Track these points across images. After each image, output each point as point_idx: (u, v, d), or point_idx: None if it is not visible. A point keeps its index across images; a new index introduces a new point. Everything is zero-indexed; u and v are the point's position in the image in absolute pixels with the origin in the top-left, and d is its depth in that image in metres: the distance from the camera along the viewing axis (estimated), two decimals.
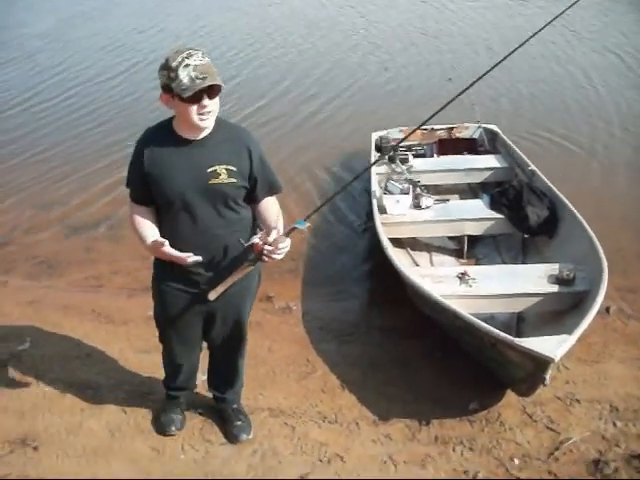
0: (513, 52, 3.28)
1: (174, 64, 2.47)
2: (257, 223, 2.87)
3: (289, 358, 4.08)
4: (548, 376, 3.06)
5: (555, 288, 3.93)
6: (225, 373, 3.34)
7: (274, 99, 8.97)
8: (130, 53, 11.37)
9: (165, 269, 2.84)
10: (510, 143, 5.89)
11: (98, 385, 3.76)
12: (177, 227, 2.72)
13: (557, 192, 4.84)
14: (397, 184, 5.10)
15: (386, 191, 5.09)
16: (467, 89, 3.16)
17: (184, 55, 2.49)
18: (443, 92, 8.18)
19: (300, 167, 6.82)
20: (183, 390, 3.39)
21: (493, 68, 3.21)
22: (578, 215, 4.47)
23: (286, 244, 2.60)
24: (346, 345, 4.21)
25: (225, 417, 3.42)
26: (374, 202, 4.95)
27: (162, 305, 2.99)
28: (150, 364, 3.81)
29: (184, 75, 2.45)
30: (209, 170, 2.63)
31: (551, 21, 3.57)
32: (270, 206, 2.85)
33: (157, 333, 3.16)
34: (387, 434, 3.41)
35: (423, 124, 3.37)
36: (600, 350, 4.10)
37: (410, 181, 5.26)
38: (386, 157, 5.81)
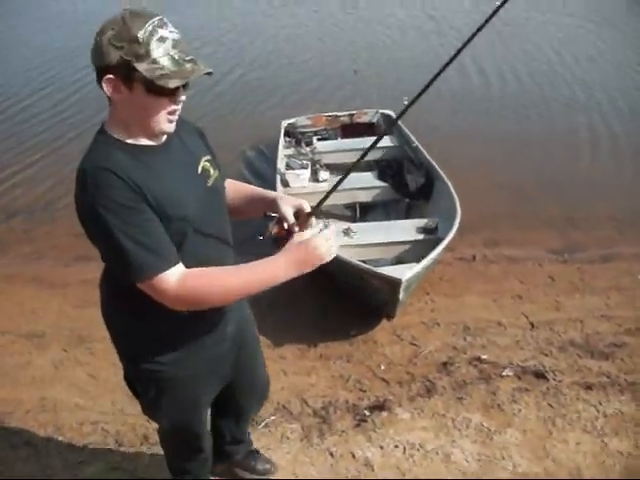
0: None
1: (141, 34, 1.61)
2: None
3: None
4: (401, 295, 3.91)
5: (421, 236, 4.79)
6: (248, 417, 2.85)
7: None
8: None
9: (173, 337, 2.04)
10: (401, 125, 6.71)
11: (43, 333, 4.45)
12: (196, 253, 1.91)
13: (433, 163, 5.65)
14: (297, 161, 5.91)
15: (288, 167, 5.88)
16: None
17: (154, 23, 1.63)
18: (349, 83, 9.09)
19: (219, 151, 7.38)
20: (206, 460, 2.60)
21: None
22: (447, 180, 5.28)
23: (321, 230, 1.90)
24: None
25: (246, 461, 2.97)
26: (277, 177, 5.68)
27: (183, 398, 2.19)
28: (86, 316, 4.39)
29: (161, 53, 1.63)
30: (199, 172, 1.95)
31: None
32: (234, 182, 2.31)
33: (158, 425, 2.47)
34: (281, 355, 4.19)
35: None
36: (463, 287, 4.96)
37: (311, 159, 6.08)
38: (293, 140, 6.65)
